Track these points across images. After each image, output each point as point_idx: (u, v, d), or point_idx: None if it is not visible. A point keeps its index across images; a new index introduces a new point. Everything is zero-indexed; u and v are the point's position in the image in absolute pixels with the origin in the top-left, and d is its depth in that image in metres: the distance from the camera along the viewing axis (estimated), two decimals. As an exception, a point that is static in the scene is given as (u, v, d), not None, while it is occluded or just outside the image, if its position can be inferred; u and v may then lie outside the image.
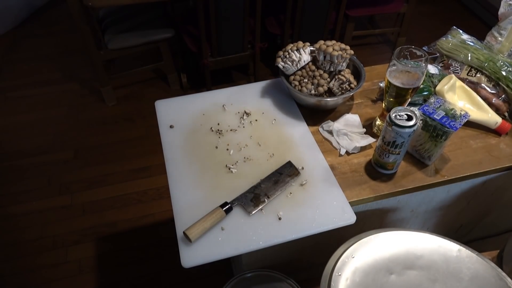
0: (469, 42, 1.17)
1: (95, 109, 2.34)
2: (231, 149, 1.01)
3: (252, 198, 0.90)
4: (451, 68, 1.16)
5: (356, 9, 2.35)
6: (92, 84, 2.46)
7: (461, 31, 1.20)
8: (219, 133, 1.05)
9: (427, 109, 0.92)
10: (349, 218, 0.88)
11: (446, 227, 1.34)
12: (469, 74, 1.13)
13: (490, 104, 1.09)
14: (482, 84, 1.11)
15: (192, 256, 0.81)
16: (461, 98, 1.09)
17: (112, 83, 2.30)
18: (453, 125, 0.89)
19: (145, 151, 2.09)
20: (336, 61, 1.05)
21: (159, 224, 1.79)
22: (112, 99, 2.35)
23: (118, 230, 1.76)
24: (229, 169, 0.97)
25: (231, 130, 1.06)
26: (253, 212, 0.88)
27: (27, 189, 1.92)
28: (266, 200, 0.90)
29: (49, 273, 1.62)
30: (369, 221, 1.08)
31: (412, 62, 0.94)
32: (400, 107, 0.89)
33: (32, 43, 2.80)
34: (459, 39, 1.18)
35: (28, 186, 1.93)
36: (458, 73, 1.15)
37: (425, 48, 1.19)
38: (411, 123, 0.84)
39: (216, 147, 1.02)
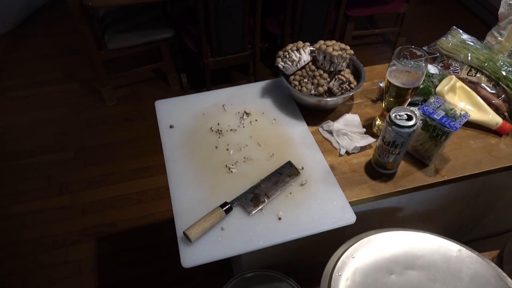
0: (469, 42, 1.17)
1: (95, 109, 2.34)
2: (231, 149, 1.01)
3: (252, 198, 0.90)
4: (451, 68, 1.16)
5: (356, 9, 2.35)
6: (92, 84, 2.46)
7: (461, 31, 1.20)
8: (219, 133, 1.05)
9: (427, 109, 0.92)
10: (349, 218, 0.88)
11: (446, 227, 1.34)
12: (469, 74, 1.13)
13: (490, 104, 1.09)
14: (482, 84, 1.11)
15: (192, 256, 0.81)
16: (461, 99, 1.09)
17: (112, 83, 2.30)
18: (453, 125, 0.89)
19: (145, 151, 2.09)
20: (336, 61, 1.05)
21: (159, 224, 1.79)
22: (112, 99, 2.35)
23: (118, 230, 1.76)
24: (229, 169, 0.97)
25: (231, 130, 1.06)
26: (253, 212, 0.88)
27: (27, 189, 1.92)
28: (266, 200, 0.90)
29: (49, 273, 1.62)
30: (369, 221, 1.08)
31: (412, 62, 0.94)
32: (400, 107, 0.89)
33: (32, 43, 2.80)
34: (459, 39, 1.18)
35: (28, 186, 1.93)
36: (458, 73, 1.15)
37: (425, 48, 1.19)
38: (411, 123, 0.84)
39: (216, 147, 1.02)
